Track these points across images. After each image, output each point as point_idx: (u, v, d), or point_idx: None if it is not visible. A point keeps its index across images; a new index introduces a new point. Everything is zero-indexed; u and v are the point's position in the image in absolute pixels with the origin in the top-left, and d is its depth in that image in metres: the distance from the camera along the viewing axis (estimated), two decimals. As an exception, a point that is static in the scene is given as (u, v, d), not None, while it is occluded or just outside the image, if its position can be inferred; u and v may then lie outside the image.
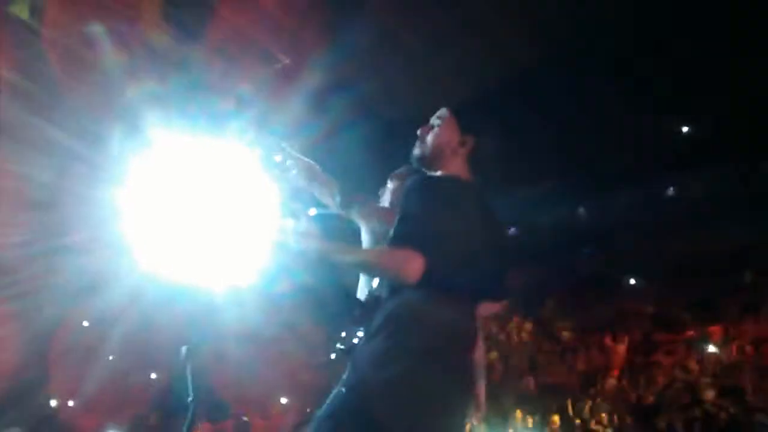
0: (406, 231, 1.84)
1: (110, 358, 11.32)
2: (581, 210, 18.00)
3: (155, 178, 2.61)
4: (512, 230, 19.00)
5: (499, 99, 11.06)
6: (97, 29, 6.07)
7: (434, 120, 2.12)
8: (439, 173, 2.04)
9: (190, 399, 1.83)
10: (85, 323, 11.93)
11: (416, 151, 2.11)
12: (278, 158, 2.52)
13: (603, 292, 14.65)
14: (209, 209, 2.46)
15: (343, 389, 1.85)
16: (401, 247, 1.81)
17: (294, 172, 2.58)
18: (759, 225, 14.60)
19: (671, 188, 16.53)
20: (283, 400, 10.60)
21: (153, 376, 9.59)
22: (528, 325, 13.16)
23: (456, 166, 2.04)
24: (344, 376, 1.88)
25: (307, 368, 14.01)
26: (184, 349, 1.86)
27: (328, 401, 1.89)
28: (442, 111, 2.12)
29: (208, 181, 2.52)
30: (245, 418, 9.84)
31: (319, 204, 2.73)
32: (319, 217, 2.60)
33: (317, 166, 2.67)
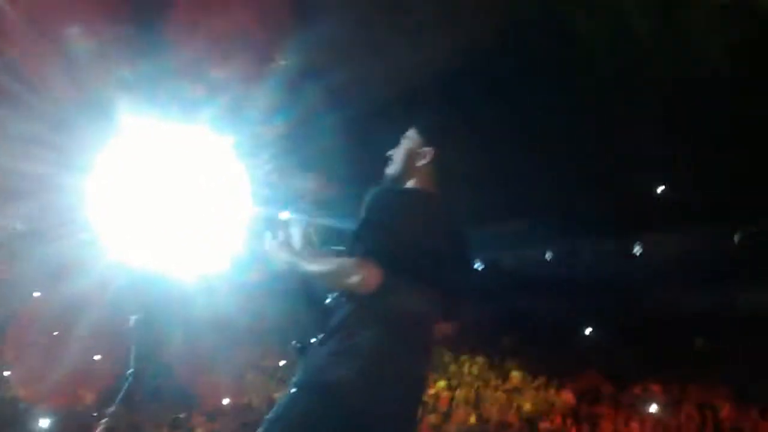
0: (368, 243, 1.87)
1: (75, 345, 11.13)
2: (548, 254, 18.13)
3: (125, 166, 2.59)
4: (478, 265, 19.07)
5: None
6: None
7: (403, 140, 2.19)
8: (404, 186, 2.10)
9: (129, 371, 1.81)
10: (50, 310, 11.76)
11: (388, 170, 2.17)
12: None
13: (558, 339, 14.74)
14: (180, 197, 2.45)
15: (294, 389, 1.85)
16: (362, 258, 1.85)
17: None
18: (718, 292, 14.85)
19: (639, 246, 16.71)
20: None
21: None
22: (480, 359, 13.20)
23: (421, 180, 2.10)
24: (295, 377, 1.89)
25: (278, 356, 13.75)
26: (132, 318, 1.84)
27: (278, 402, 1.89)
28: (410, 131, 2.19)
29: (178, 168, 2.50)
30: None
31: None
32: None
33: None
